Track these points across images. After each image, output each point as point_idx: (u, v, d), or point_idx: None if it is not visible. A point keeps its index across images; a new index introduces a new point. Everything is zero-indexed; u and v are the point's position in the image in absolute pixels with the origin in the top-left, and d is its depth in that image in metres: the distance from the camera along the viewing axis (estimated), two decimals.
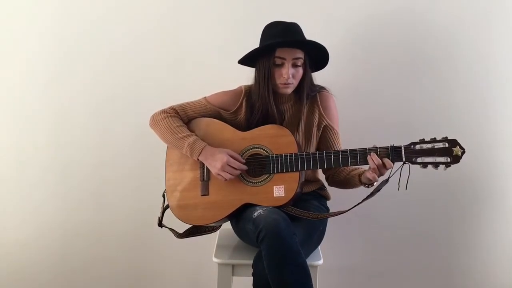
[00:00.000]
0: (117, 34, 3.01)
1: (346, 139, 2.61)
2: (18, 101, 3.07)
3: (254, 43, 2.46)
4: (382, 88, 3.01)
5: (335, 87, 2.62)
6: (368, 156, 2.26)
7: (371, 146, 2.27)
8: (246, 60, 2.47)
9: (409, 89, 3.01)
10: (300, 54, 2.38)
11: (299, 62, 2.39)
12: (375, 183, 2.34)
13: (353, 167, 2.51)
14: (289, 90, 2.44)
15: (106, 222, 3.15)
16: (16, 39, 3.04)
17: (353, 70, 3.00)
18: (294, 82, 2.42)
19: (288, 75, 2.37)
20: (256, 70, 2.47)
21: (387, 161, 2.23)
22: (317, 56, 2.45)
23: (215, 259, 2.44)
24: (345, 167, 2.53)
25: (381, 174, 2.26)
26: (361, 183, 2.39)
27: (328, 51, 2.43)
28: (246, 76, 2.54)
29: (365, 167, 2.34)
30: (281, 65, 2.38)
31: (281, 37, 2.37)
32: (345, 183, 2.53)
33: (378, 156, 2.25)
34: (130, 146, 3.08)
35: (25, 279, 3.20)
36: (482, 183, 3.08)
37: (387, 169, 2.25)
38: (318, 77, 2.58)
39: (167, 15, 3.00)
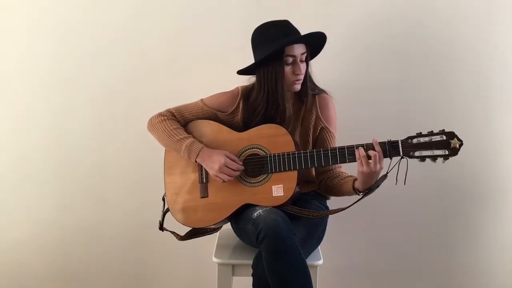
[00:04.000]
0: (116, 35, 3.03)
1: (345, 137, 2.60)
2: (17, 101, 3.08)
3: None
4: (381, 86, 3.01)
5: (334, 85, 2.63)
6: (356, 151, 2.25)
7: (369, 143, 2.26)
8: (247, 69, 2.48)
9: (409, 87, 3.02)
10: (305, 49, 2.40)
11: (304, 57, 2.41)
12: (366, 192, 2.32)
13: (347, 174, 2.52)
14: (299, 86, 2.45)
15: (106, 222, 3.14)
16: (16, 39, 3.05)
17: (351, 68, 3.01)
18: (303, 77, 2.43)
19: (301, 71, 2.38)
20: (260, 74, 2.44)
21: (371, 151, 2.22)
22: (313, 47, 2.47)
23: (215, 259, 2.44)
24: (340, 173, 2.53)
25: (370, 170, 2.22)
26: (354, 189, 2.35)
27: (327, 49, 2.47)
28: (244, 77, 2.55)
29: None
30: (292, 63, 2.39)
31: (287, 36, 2.37)
32: (337, 188, 2.48)
33: (364, 150, 2.24)
34: (129, 146, 3.09)
35: (23, 278, 3.20)
36: (482, 183, 3.08)
37: (376, 161, 2.21)
38: (318, 76, 2.58)
39: (166, 17, 3.01)
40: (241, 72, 2.49)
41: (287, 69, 2.39)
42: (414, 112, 3.03)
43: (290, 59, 2.38)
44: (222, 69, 2.88)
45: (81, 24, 3.02)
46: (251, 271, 2.28)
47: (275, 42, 2.36)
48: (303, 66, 2.41)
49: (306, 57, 2.43)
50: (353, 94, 2.98)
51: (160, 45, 3.03)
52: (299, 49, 2.37)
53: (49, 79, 3.06)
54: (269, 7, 2.94)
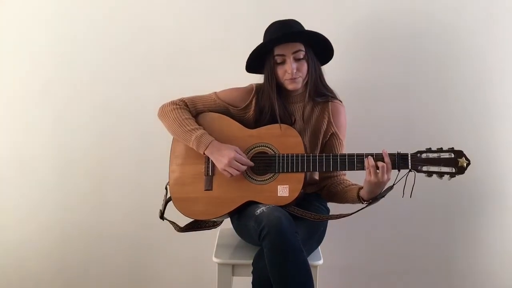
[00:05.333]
0: (117, 33, 3.02)
1: (351, 139, 2.63)
2: (18, 101, 3.08)
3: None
4: (385, 88, 3.02)
5: (339, 87, 2.61)
6: (365, 159, 2.26)
7: (378, 153, 2.26)
8: (255, 67, 2.49)
9: (410, 88, 3.03)
10: (299, 47, 2.39)
11: (301, 55, 2.39)
12: (371, 201, 2.32)
13: (351, 182, 2.53)
14: (299, 85, 2.43)
15: (106, 222, 3.16)
16: (16, 39, 3.04)
17: (355, 70, 3.02)
18: (302, 75, 2.42)
19: (292, 70, 2.37)
20: (264, 73, 2.49)
21: (380, 162, 2.22)
22: (320, 47, 2.45)
23: (215, 259, 2.43)
24: (344, 180, 2.54)
25: (378, 180, 2.22)
26: (359, 197, 2.36)
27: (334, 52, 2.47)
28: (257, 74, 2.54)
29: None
30: (283, 62, 2.39)
31: (275, 36, 2.38)
32: (341, 195, 2.49)
33: (374, 160, 2.24)
34: (130, 146, 3.09)
35: (23, 278, 3.22)
36: (482, 183, 3.08)
37: (384, 172, 2.21)
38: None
39: (170, 13, 3.00)
40: (248, 70, 2.51)
41: (279, 68, 2.42)
42: (414, 114, 3.04)
43: (280, 59, 2.39)
44: (224, 69, 2.90)
45: (81, 23, 3.03)
46: (251, 270, 2.28)
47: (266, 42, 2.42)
48: (299, 64, 2.40)
49: (306, 56, 2.41)
50: (353, 96, 2.93)
51: (161, 46, 3.03)
52: (290, 48, 2.38)
53: (50, 80, 3.06)
54: (281, 5, 2.93)
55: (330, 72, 2.57)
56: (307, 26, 2.45)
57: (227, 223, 2.62)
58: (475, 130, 3.01)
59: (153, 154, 2.97)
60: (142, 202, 3.11)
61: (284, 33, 2.37)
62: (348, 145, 2.57)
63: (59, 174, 3.12)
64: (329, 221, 2.53)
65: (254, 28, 2.54)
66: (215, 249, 2.55)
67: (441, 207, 3.10)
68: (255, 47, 2.40)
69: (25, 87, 3.06)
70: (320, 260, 2.43)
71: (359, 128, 2.92)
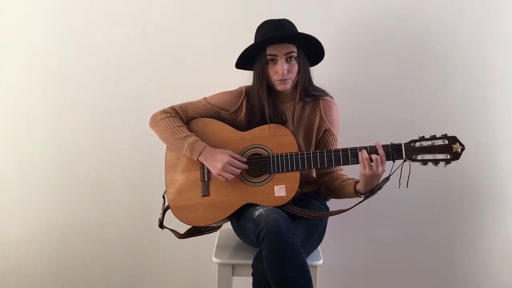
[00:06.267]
0: (117, 34, 3.03)
1: (346, 137, 2.62)
2: (18, 101, 3.08)
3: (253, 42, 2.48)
4: (382, 87, 3.01)
5: (334, 86, 2.62)
6: (359, 153, 2.26)
7: (372, 145, 2.26)
8: (243, 64, 2.50)
9: (409, 87, 3.02)
10: (292, 48, 2.40)
11: (293, 56, 2.41)
12: (368, 194, 2.33)
13: (348, 176, 2.53)
14: (288, 86, 2.44)
15: (106, 222, 3.15)
16: (16, 38, 3.05)
17: (352, 68, 3.00)
18: (292, 77, 2.43)
19: (283, 70, 2.38)
20: (253, 71, 2.49)
21: (373, 155, 2.22)
22: (311, 49, 2.46)
23: (215, 259, 2.43)
24: (341, 175, 2.54)
25: (373, 172, 2.22)
26: (356, 191, 2.36)
27: (326, 50, 2.47)
28: (247, 76, 2.54)
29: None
30: (274, 62, 2.40)
31: (269, 35, 2.38)
32: (338, 190, 2.49)
33: (368, 153, 2.24)
34: (130, 146, 3.09)
35: (24, 278, 3.20)
36: (482, 183, 3.07)
37: (378, 164, 2.21)
38: (319, 77, 2.57)
39: (168, 15, 3.01)
40: (238, 66, 2.52)
41: (270, 68, 2.43)
42: (413, 114, 3.03)
43: (271, 58, 2.40)
44: (223, 69, 2.87)
45: (81, 23, 3.03)
46: (251, 271, 2.27)
47: (259, 40, 2.42)
48: (290, 66, 2.41)
49: (298, 58, 2.42)
50: (352, 95, 2.97)
51: (162, 47, 3.03)
52: (282, 49, 2.39)
53: (51, 80, 3.07)
54: (272, 6, 2.93)
55: (327, 71, 2.61)
56: (303, 26, 2.47)
57: (227, 224, 2.62)
58: (475, 130, 3.00)
59: (153, 154, 2.94)
60: (142, 202, 3.11)
61: (282, 33, 2.38)
62: (346, 146, 2.55)
63: (59, 174, 3.12)
64: (329, 220, 2.53)
65: (250, 28, 2.52)
66: (215, 249, 2.55)
67: (441, 206, 3.09)
68: (247, 46, 2.41)
69: (25, 87, 3.07)
70: (320, 260, 2.43)
71: (358, 128, 2.92)
